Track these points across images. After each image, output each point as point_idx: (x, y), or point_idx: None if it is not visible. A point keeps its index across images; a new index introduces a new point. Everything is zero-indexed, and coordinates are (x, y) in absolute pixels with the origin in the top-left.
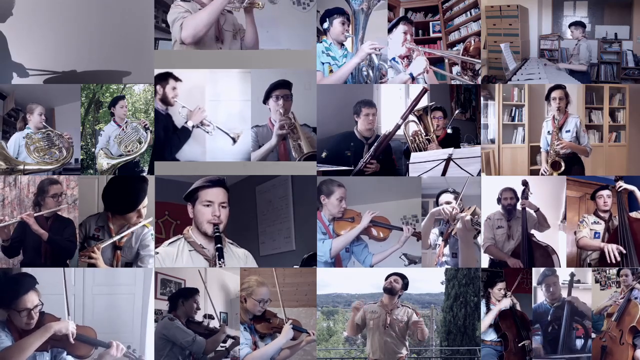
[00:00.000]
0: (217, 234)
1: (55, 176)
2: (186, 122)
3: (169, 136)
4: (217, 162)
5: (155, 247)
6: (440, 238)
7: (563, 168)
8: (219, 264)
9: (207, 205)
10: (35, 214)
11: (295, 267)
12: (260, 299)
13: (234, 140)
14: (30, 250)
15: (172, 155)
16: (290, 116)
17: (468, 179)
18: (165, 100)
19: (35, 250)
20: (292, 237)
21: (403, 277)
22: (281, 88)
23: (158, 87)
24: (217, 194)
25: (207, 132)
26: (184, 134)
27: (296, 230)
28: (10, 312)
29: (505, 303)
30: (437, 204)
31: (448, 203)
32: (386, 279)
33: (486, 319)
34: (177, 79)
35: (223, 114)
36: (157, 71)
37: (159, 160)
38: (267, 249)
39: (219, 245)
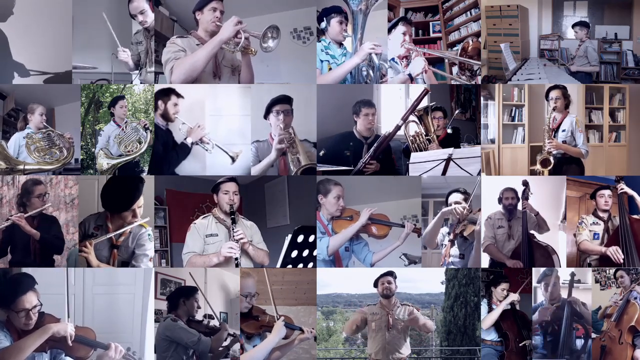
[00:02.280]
0: (232, 210)
1: (37, 177)
2: (185, 139)
3: (168, 152)
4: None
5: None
6: (447, 238)
7: (552, 165)
8: (233, 228)
9: (225, 193)
10: (25, 215)
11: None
12: (246, 292)
13: (233, 160)
14: (19, 250)
15: (170, 170)
16: (290, 131)
17: (480, 179)
18: (166, 116)
19: (24, 249)
20: (287, 216)
21: (392, 275)
22: (282, 103)
23: (159, 102)
24: (231, 186)
25: (207, 150)
26: (183, 150)
27: (290, 211)
28: (10, 312)
29: (513, 297)
30: (446, 203)
31: (457, 203)
32: (375, 284)
33: (491, 316)
34: (179, 95)
35: (223, 129)
36: (158, 87)
37: (157, 174)
38: (271, 223)
39: (233, 217)
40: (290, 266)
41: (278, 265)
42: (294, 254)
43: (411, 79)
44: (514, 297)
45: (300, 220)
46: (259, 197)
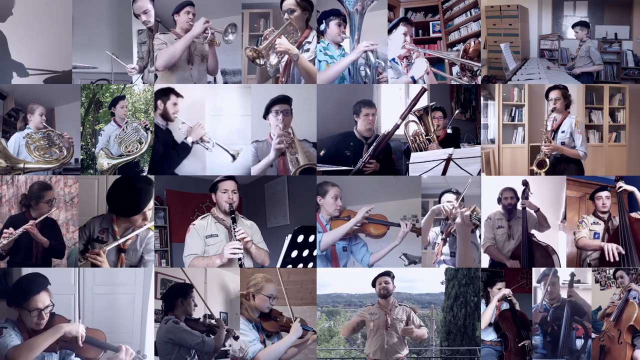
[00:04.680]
0: (232, 209)
1: (46, 181)
2: (186, 138)
3: (168, 151)
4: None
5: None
6: (440, 237)
7: (547, 167)
8: (234, 227)
9: (224, 192)
10: (36, 222)
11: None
12: (269, 294)
13: (234, 158)
14: (21, 251)
15: (170, 170)
16: (289, 131)
17: (471, 179)
18: (165, 116)
19: (26, 251)
20: (287, 216)
21: (390, 275)
22: (281, 103)
23: (159, 102)
24: (230, 184)
25: (207, 149)
26: (184, 149)
27: (290, 211)
28: (22, 311)
29: (504, 292)
30: (439, 202)
31: (449, 202)
32: (373, 284)
33: (486, 313)
34: (178, 95)
35: (223, 129)
36: (158, 86)
37: (157, 174)
38: (271, 223)
39: (233, 216)
40: (290, 266)
41: (278, 265)
42: (294, 254)
43: (414, 81)
44: (506, 291)
45: (300, 220)
46: (259, 197)
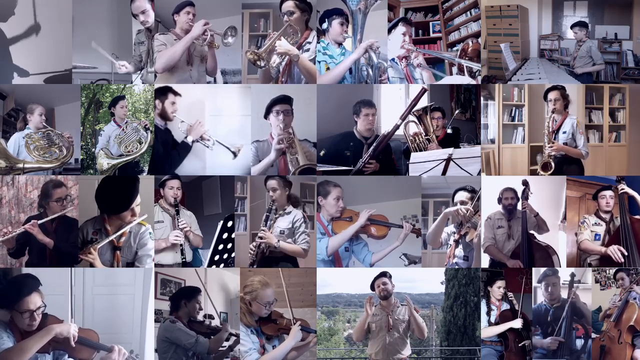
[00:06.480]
0: (176, 203)
1: (59, 178)
2: (186, 137)
3: (168, 151)
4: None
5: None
6: (453, 237)
7: (552, 169)
8: (177, 218)
9: (170, 189)
10: (39, 222)
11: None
12: (266, 302)
13: (235, 155)
14: (36, 251)
15: (171, 170)
16: (290, 131)
17: (483, 179)
18: (164, 115)
19: (40, 252)
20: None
21: (386, 275)
22: (282, 103)
23: (157, 101)
24: (175, 183)
25: (208, 147)
26: (184, 149)
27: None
28: (13, 313)
29: (517, 324)
30: (452, 201)
31: (463, 203)
32: (372, 286)
33: (493, 330)
34: (176, 94)
35: (223, 129)
36: (157, 86)
37: (157, 174)
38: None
39: (177, 209)
40: (221, 246)
41: (211, 247)
42: (225, 235)
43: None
44: (518, 323)
45: (230, 210)
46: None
